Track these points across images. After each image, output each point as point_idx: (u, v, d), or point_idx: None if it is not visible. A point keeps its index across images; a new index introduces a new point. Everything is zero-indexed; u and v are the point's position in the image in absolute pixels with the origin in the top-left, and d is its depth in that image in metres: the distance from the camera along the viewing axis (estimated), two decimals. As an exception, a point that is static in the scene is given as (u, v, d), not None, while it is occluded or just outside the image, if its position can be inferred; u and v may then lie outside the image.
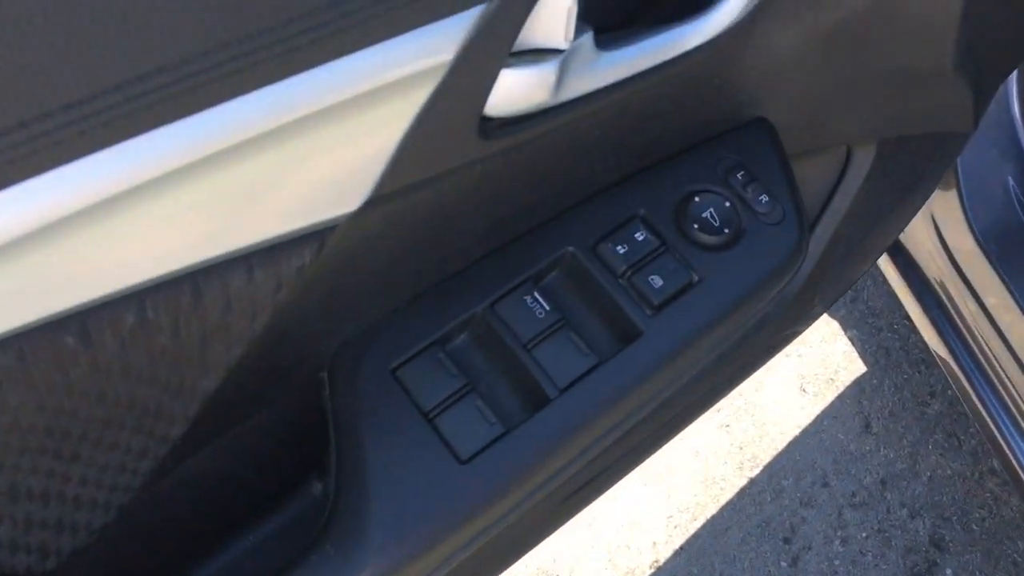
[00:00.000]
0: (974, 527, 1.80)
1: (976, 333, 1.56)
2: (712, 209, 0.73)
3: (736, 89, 0.73)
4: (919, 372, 1.95)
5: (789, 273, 0.75)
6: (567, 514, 1.01)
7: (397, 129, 0.49)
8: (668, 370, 0.70)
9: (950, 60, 0.80)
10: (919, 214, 1.60)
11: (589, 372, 0.68)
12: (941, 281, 1.57)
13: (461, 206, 0.60)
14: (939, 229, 1.54)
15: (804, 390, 1.94)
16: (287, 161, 0.46)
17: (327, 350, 0.66)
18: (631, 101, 0.62)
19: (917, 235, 1.57)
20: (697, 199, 0.74)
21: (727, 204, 0.74)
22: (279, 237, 0.49)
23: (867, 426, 1.91)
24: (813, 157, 0.99)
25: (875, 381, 1.95)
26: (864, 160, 0.99)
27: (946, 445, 1.89)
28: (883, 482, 1.85)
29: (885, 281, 2.02)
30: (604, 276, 0.70)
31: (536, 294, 0.69)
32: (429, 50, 0.46)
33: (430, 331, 0.67)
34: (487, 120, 0.54)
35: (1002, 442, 1.59)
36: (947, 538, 1.79)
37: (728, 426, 1.90)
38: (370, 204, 0.52)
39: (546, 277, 0.71)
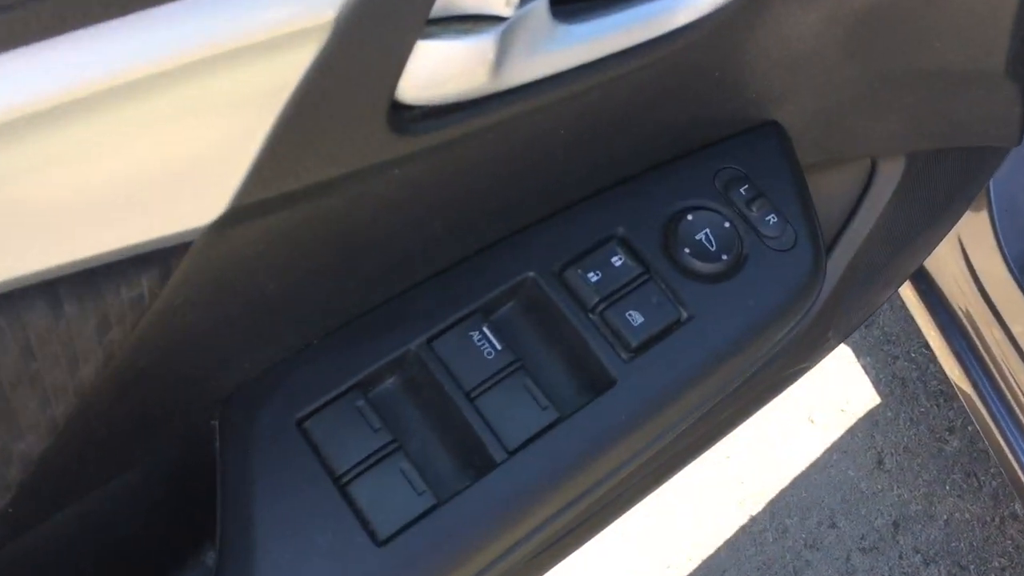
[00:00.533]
0: (993, 577, 1.66)
1: (1003, 365, 1.43)
2: (708, 230, 0.60)
3: (739, 84, 0.60)
4: (937, 405, 1.81)
5: (800, 310, 0.61)
6: (536, 571, 0.87)
7: (264, 113, 0.35)
8: (647, 428, 0.57)
9: (1002, 62, 0.66)
10: (948, 238, 1.46)
11: (547, 430, 0.54)
12: (966, 308, 1.43)
13: (377, 221, 0.46)
14: (966, 252, 1.40)
15: (812, 421, 1.80)
16: (95, 151, 0.32)
17: (214, 396, 0.53)
18: (603, 93, 0.49)
19: (942, 258, 1.44)
20: (690, 218, 0.60)
21: (727, 225, 0.60)
22: (96, 259, 0.35)
23: (880, 462, 1.77)
24: (832, 170, 0.85)
25: (889, 414, 1.81)
26: (891, 176, 0.86)
27: (965, 486, 1.74)
28: (896, 524, 1.71)
29: (903, 305, 1.88)
30: (571, 309, 0.57)
31: (485, 329, 0.56)
32: (303, 4, 0.33)
33: (349, 373, 0.54)
34: (402, 109, 0.40)
35: (1028, 487, 1.44)
36: (964, 588, 1.65)
37: (728, 457, 1.76)
38: (237, 216, 0.38)
39: (499, 309, 0.58)
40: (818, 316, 0.92)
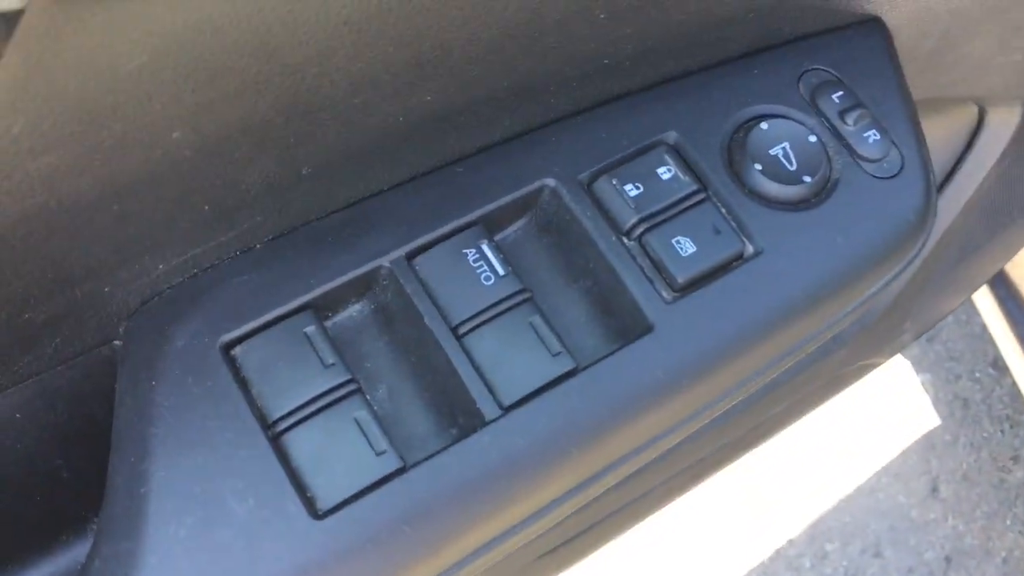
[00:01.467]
0: (1056, 626, 1.49)
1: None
2: (787, 144, 0.46)
3: None
4: (1002, 431, 1.64)
5: (903, 257, 0.47)
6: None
7: None
8: (691, 392, 0.42)
9: None
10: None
11: (557, 382, 0.40)
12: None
13: (330, 59, 0.33)
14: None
15: (862, 438, 1.64)
16: None
17: (117, 307, 0.39)
18: None
19: (1025, 262, 1.27)
20: (764, 127, 0.46)
21: (812, 139, 0.46)
22: None
23: (934, 489, 1.60)
24: (931, 117, 0.70)
25: (948, 437, 1.64)
26: (1001, 132, 0.71)
27: (1029, 522, 1.58)
28: (948, 559, 1.54)
29: (968, 320, 1.72)
30: (600, 230, 0.43)
31: (485, 247, 0.42)
32: None
33: (298, 289, 0.40)
34: None
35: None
36: (1022, 636, 1.48)
37: (766, 471, 1.60)
38: None
39: (506, 223, 0.44)
40: (897, 299, 0.77)
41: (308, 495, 0.38)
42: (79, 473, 0.44)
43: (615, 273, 0.43)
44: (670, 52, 0.45)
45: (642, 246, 0.43)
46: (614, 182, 0.44)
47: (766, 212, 0.45)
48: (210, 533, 0.36)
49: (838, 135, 0.47)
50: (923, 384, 1.69)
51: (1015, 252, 0.88)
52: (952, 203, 0.73)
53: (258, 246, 0.41)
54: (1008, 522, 1.58)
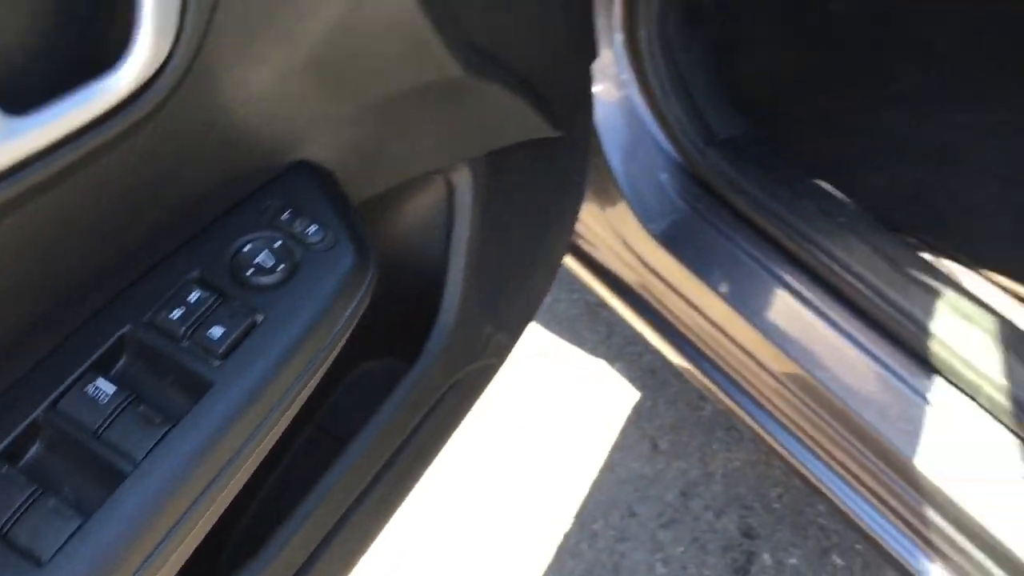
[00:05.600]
0: (775, 506, 1.86)
1: (685, 323, 1.62)
2: (265, 251, 0.76)
3: (245, 139, 0.76)
4: (685, 381, 2.03)
5: (357, 290, 0.77)
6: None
7: None
8: (251, 413, 0.71)
9: (456, 67, 0.86)
10: (607, 231, 1.69)
11: (163, 438, 0.68)
12: (645, 286, 1.65)
13: None
14: (627, 242, 1.62)
15: (587, 432, 1.98)
16: None
17: None
18: (100, 171, 0.64)
19: (612, 251, 1.65)
20: (248, 247, 0.76)
21: (278, 244, 0.77)
22: None
23: (654, 446, 1.96)
24: (417, 194, 1.04)
25: (648, 403, 2.01)
26: (463, 184, 1.05)
27: (728, 440, 1.95)
28: (683, 493, 1.89)
29: (632, 316, 2.11)
30: (164, 344, 0.71)
31: (99, 382, 0.69)
32: None
33: None
34: None
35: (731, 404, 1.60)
36: (755, 525, 1.84)
37: (529, 485, 1.91)
38: None
39: (113, 365, 0.71)
40: (461, 314, 1.09)
41: (34, 557, 0.63)
42: None
43: (180, 363, 0.71)
44: (172, 229, 0.75)
45: (193, 341, 0.71)
46: (163, 313, 0.72)
47: (264, 295, 0.74)
48: None
49: (293, 235, 0.77)
50: (618, 370, 2.06)
51: (548, 261, 1.22)
52: (460, 239, 1.06)
53: None
54: (715, 447, 1.95)
